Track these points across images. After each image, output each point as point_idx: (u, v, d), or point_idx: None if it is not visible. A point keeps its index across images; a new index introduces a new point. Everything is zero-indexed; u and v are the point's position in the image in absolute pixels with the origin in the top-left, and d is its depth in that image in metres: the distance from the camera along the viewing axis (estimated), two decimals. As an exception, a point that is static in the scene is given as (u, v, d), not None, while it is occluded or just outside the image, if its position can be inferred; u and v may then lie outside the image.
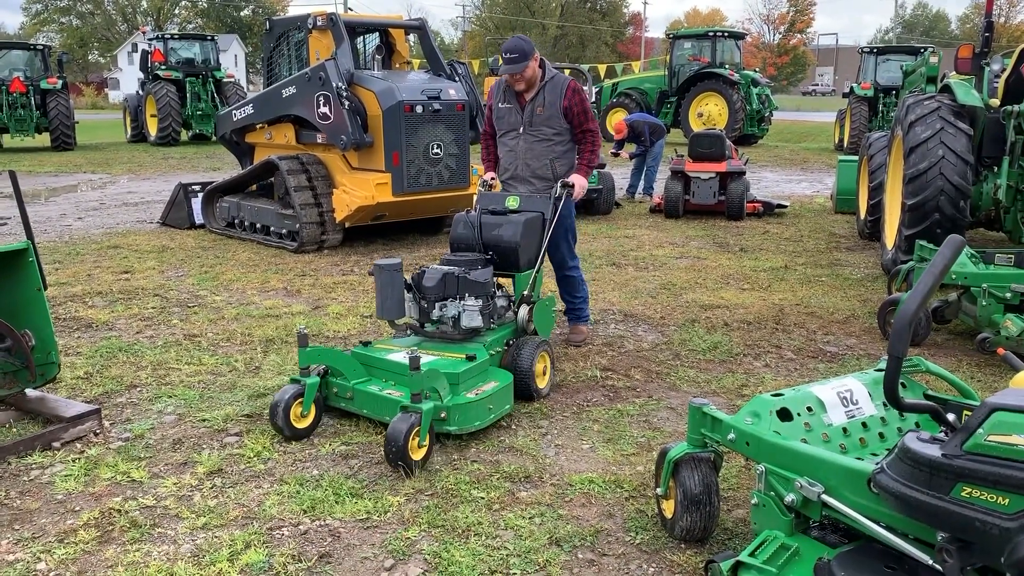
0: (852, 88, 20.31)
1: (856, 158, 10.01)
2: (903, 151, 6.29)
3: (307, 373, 3.91)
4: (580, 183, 4.82)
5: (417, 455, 3.47)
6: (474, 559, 2.85)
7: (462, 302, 4.23)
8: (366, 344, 4.28)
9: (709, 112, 21.16)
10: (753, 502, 2.62)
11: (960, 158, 6.00)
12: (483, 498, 3.28)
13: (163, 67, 22.05)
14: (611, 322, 5.84)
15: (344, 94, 7.68)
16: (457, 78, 8.60)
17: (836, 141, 21.64)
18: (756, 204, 10.62)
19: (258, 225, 8.78)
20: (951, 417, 2.34)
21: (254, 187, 9.56)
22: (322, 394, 3.99)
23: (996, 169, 6.38)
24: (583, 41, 66.12)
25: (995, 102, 6.43)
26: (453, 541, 2.97)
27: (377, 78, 8.06)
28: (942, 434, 2.16)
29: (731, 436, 2.75)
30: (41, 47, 22.52)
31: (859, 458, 2.58)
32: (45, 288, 3.86)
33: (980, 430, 1.93)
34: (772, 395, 2.83)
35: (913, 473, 2.02)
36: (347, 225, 8.24)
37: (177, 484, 3.40)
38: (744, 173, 10.48)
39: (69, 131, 20.97)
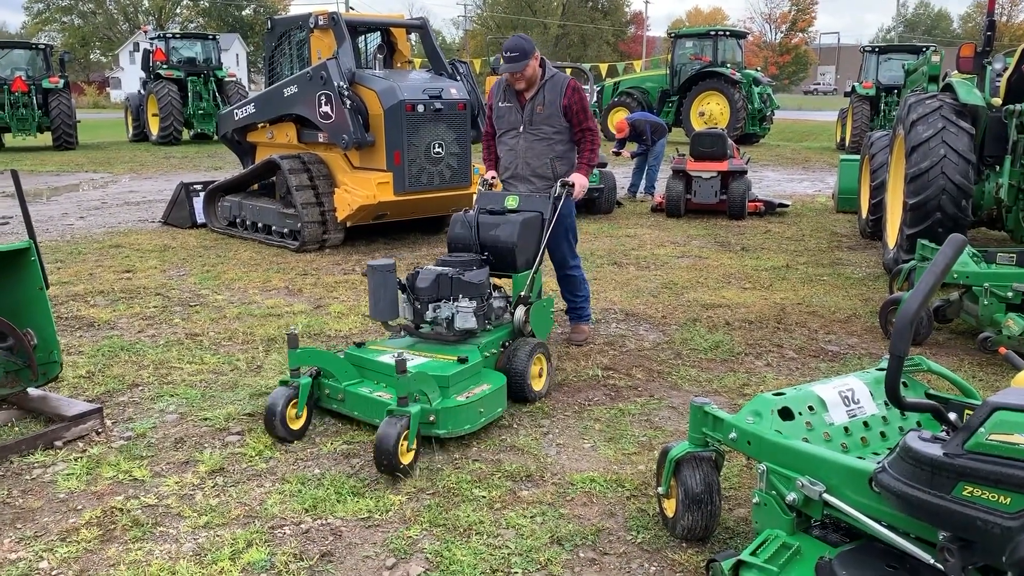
0: (854, 87, 20.31)
1: (858, 157, 10.00)
2: (905, 150, 6.29)
3: (297, 374, 3.87)
4: (580, 182, 4.80)
5: (406, 459, 3.42)
6: (475, 558, 2.85)
7: (456, 304, 4.18)
8: (360, 345, 4.24)
9: (711, 111, 21.15)
10: (754, 501, 2.62)
11: (962, 157, 5.99)
12: (484, 497, 3.29)
13: (165, 66, 22.06)
14: (612, 321, 5.84)
15: (346, 93, 7.68)
16: (458, 77, 8.60)
17: (838, 140, 21.63)
18: (758, 203, 10.62)
19: (260, 224, 8.79)
20: (953, 416, 2.34)
21: (256, 186, 9.56)
22: (314, 395, 3.97)
23: (998, 168, 6.37)
24: (584, 40, 66.07)
25: (997, 101, 6.42)
26: (454, 540, 2.97)
27: (379, 77, 8.06)
28: (944, 433, 2.16)
29: (732, 435, 2.75)
30: (43, 46, 22.54)
31: (861, 457, 2.58)
32: (47, 287, 3.87)
33: (982, 429, 1.93)
34: (774, 394, 2.83)
35: (915, 472, 2.02)
36: (348, 224, 8.25)
37: (179, 483, 3.41)
38: (746, 172, 10.48)
39: (71, 130, 20.99)
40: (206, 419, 4.06)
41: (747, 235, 9.27)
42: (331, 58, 7.92)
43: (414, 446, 3.46)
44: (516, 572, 2.79)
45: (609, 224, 9.99)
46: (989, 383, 4.58)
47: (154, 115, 22.18)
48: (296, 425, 3.82)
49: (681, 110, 21.71)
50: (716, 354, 5.12)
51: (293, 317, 5.83)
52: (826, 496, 2.38)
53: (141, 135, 23.13)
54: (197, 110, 22.37)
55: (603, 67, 31.53)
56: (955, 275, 5.01)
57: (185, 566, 2.79)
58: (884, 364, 2.94)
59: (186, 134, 23.22)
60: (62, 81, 20.84)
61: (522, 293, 4.50)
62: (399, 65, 9.21)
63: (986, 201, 6.52)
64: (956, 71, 7.13)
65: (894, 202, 7.06)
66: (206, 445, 3.78)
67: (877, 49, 21.20)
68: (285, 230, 8.43)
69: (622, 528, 3.08)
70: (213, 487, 3.37)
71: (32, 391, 4.06)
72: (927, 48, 15.35)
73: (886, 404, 2.88)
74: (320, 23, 8.40)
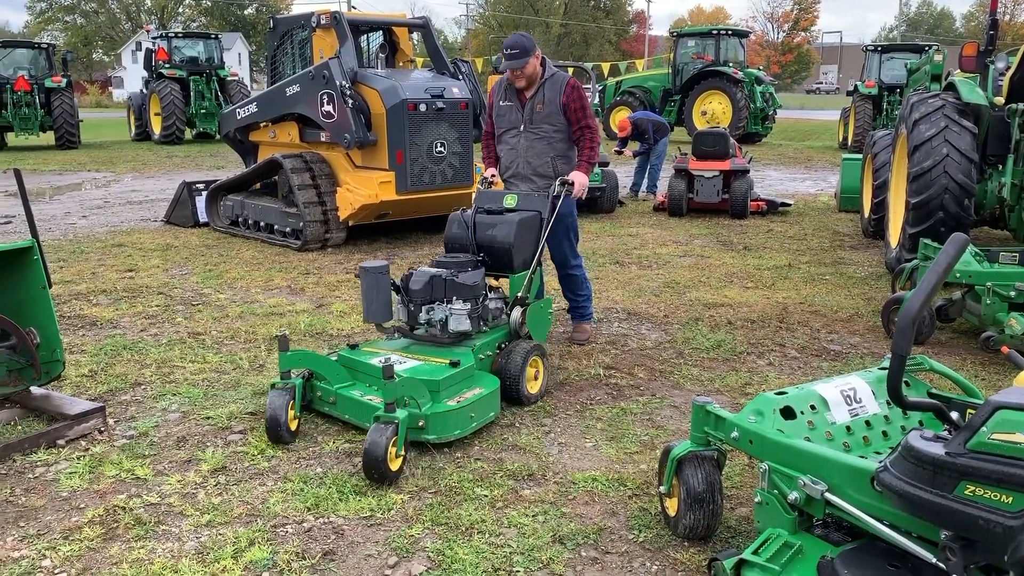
0: (856, 86, 20.27)
1: (860, 156, 9.98)
2: (907, 149, 6.28)
3: (287, 376, 3.82)
4: (580, 180, 4.75)
5: (395, 465, 3.35)
6: (477, 557, 2.85)
7: (449, 306, 4.12)
8: (353, 347, 4.20)
9: (713, 110, 21.14)
10: (756, 500, 2.62)
11: (964, 156, 5.99)
12: (486, 496, 3.29)
13: (167, 65, 22.10)
14: (615, 320, 5.84)
15: (348, 92, 7.69)
16: (460, 76, 8.61)
17: (840, 139, 21.60)
18: (760, 202, 10.61)
19: (262, 223, 8.79)
20: (955, 415, 2.34)
21: (258, 185, 9.57)
22: (306, 398, 3.94)
23: (1000, 167, 6.36)
24: (587, 39, 66.08)
25: (1000, 100, 6.41)
26: (456, 539, 2.97)
27: (381, 76, 8.07)
28: (946, 432, 2.16)
29: (734, 434, 2.75)
30: (45, 45, 22.58)
31: (863, 456, 2.58)
32: (50, 286, 3.88)
33: (984, 428, 1.93)
34: (776, 393, 2.83)
35: (917, 471, 2.02)
36: (351, 223, 8.25)
37: (181, 481, 3.41)
38: (748, 171, 10.47)
39: (73, 129, 21.02)
40: (208, 418, 4.06)
41: (749, 234, 9.26)
42: (333, 57, 7.92)
43: (403, 452, 3.40)
44: (518, 571, 2.79)
45: (611, 223, 9.99)
46: (991, 382, 4.57)
47: (156, 114, 22.19)
48: (294, 426, 3.82)
49: (683, 109, 21.70)
50: (718, 353, 5.12)
51: (295, 316, 5.83)
52: (828, 495, 2.38)
53: (143, 134, 23.17)
54: (199, 109, 22.39)
55: (605, 66, 31.51)
56: (957, 274, 5.00)
57: (187, 564, 2.80)
58: (886, 363, 2.94)
59: (188, 133, 23.23)
60: (64, 80, 20.88)
61: (519, 294, 4.43)
62: (401, 64, 9.21)
63: (988, 200, 6.51)
64: (959, 70, 7.11)
65: (896, 201, 7.05)
66: (208, 444, 3.78)
67: (879, 48, 21.18)
68: (287, 229, 8.43)
69: (624, 527, 3.08)
70: (215, 486, 3.38)
71: (35, 390, 4.07)
72: (930, 47, 15.30)
73: (888, 403, 2.87)
74: (322, 22, 8.41)
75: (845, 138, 20.62)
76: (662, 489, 3.00)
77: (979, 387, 3.77)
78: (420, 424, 3.56)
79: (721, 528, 3.00)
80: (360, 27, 8.86)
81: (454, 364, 3.85)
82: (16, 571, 2.77)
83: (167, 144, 21.82)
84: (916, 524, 2.15)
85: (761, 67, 27.95)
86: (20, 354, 3.84)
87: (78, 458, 3.60)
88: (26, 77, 20.61)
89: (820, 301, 6.36)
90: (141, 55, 26.96)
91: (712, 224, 9.93)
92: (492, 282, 4.57)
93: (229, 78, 23.02)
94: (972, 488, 1.91)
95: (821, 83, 76.21)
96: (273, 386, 3.80)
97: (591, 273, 6.27)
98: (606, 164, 10.75)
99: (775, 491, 2.55)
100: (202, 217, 9.57)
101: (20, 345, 3.82)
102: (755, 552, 2.42)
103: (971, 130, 6.10)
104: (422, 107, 7.80)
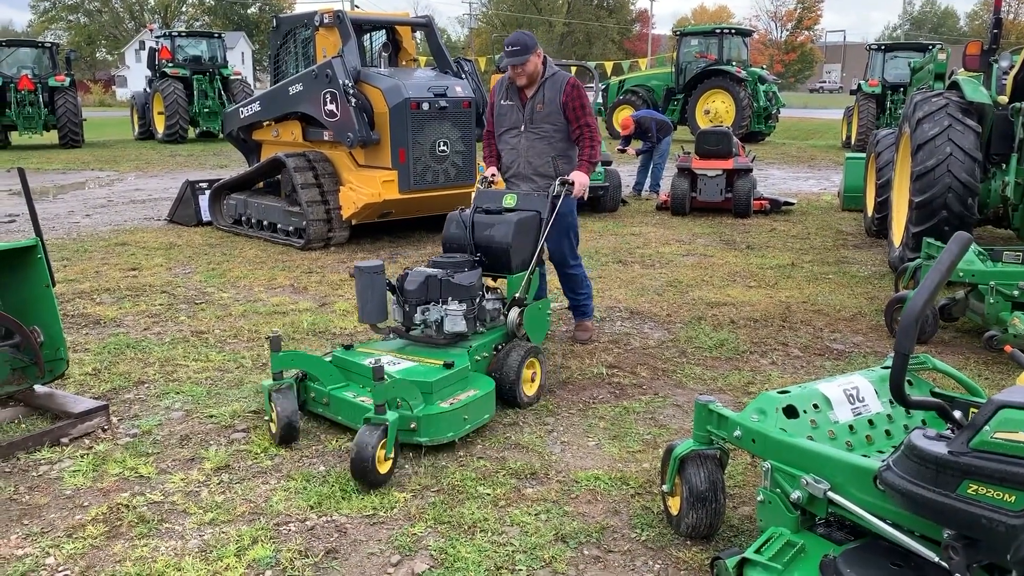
0: (860, 85, 20.25)
1: (863, 155, 9.97)
2: (911, 148, 6.27)
3: (280, 377, 3.79)
4: (580, 180, 4.71)
5: (383, 468, 3.31)
6: (480, 555, 2.86)
7: (445, 306, 4.08)
8: (348, 347, 4.16)
9: (716, 109, 21.12)
10: (759, 499, 2.62)
11: (968, 155, 5.98)
12: (489, 494, 3.29)
13: (170, 64, 22.11)
14: (617, 319, 5.84)
15: (351, 91, 7.69)
16: (463, 75, 8.61)
17: (843, 138, 21.56)
18: (763, 201, 10.60)
19: (265, 222, 8.81)
20: (958, 414, 2.34)
21: (261, 184, 9.58)
22: (300, 399, 3.92)
23: (1004, 166, 6.35)
24: (590, 38, 66.08)
25: (1003, 99, 6.40)
26: (459, 537, 2.97)
27: (384, 75, 8.07)
28: (948, 431, 2.15)
29: (737, 433, 2.75)
30: (49, 45, 22.61)
31: (865, 455, 2.58)
32: (53, 285, 3.89)
33: (987, 427, 1.93)
34: (778, 392, 2.83)
35: (919, 470, 2.02)
36: (353, 222, 8.26)
37: (184, 480, 3.42)
38: (751, 170, 10.45)
39: (77, 128, 21.04)
40: (211, 416, 4.07)
41: (752, 233, 9.25)
42: (336, 56, 7.93)
43: (392, 455, 3.36)
44: (520, 569, 2.79)
45: (614, 222, 9.98)
46: (995, 381, 4.57)
47: (160, 113, 22.23)
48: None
49: (686, 108, 21.69)
50: (721, 352, 5.12)
51: (298, 315, 5.84)
52: (831, 494, 2.38)
53: (147, 133, 23.20)
54: (203, 108, 22.41)
55: (608, 65, 31.52)
56: (961, 273, 4.99)
57: (190, 563, 2.81)
58: (889, 362, 2.94)
59: (192, 132, 23.25)
60: (68, 79, 20.90)
61: (517, 295, 4.38)
62: (404, 63, 9.22)
63: (992, 199, 6.49)
64: (962, 69, 7.09)
65: (900, 200, 7.04)
66: (211, 442, 3.79)
67: (883, 47, 21.14)
68: (290, 228, 8.44)
69: (626, 526, 3.08)
70: (218, 484, 3.39)
71: (39, 388, 4.08)
72: (933, 46, 15.27)
73: (891, 402, 2.87)
74: (325, 21, 8.42)
75: (848, 137, 20.59)
76: (665, 488, 3.00)
77: (982, 386, 3.76)
78: (412, 426, 3.52)
79: (723, 527, 3.00)
80: (363, 26, 8.87)
81: (448, 365, 3.80)
82: (20, 569, 2.78)
83: (170, 143, 21.84)
84: (919, 523, 2.15)
85: (764, 66, 27.91)
86: (24, 352, 3.86)
87: (82, 456, 3.61)
88: (30, 76, 20.64)
89: (823, 300, 6.36)
90: (144, 54, 27.02)
91: (715, 223, 9.92)
92: (490, 283, 4.53)
93: (232, 77, 23.04)
94: (975, 487, 1.91)
95: (824, 82, 76.09)
96: (270, 390, 3.72)
97: (594, 272, 6.28)
98: (609, 163, 10.74)
99: (778, 490, 2.55)
100: (205, 216, 9.59)
101: (24, 343, 3.84)
102: (758, 551, 2.42)
103: (975, 129, 6.09)
104: (425, 106, 7.80)
